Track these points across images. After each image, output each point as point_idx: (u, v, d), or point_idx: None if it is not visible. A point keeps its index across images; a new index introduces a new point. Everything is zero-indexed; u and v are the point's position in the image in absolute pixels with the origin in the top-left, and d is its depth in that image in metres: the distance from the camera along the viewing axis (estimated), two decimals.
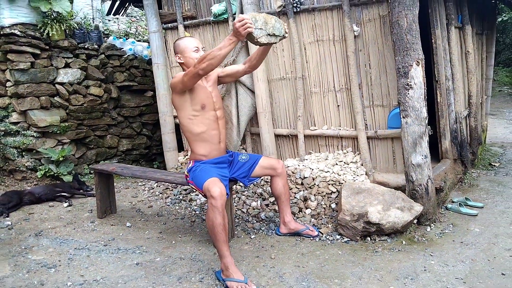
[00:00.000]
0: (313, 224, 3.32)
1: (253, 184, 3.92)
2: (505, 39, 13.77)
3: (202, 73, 2.58)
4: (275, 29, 2.55)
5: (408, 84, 3.17)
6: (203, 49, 2.89)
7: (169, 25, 4.80)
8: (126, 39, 5.56)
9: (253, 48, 3.95)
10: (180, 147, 5.09)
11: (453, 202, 3.73)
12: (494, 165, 5.29)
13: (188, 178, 2.87)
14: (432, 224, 3.29)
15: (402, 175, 3.55)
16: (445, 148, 4.24)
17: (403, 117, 3.25)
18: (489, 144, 6.71)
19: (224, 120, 3.02)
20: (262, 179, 3.93)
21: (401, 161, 3.61)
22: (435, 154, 4.18)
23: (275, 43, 2.61)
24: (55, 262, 2.84)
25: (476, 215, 3.48)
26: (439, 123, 4.15)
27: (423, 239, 3.08)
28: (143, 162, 5.63)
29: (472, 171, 4.82)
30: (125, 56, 5.34)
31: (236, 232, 3.25)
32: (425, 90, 3.22)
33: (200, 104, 2.81)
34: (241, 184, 3.84)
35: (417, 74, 3.17)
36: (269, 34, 2.52)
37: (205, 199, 3.80)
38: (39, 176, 4.43)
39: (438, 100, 4.12)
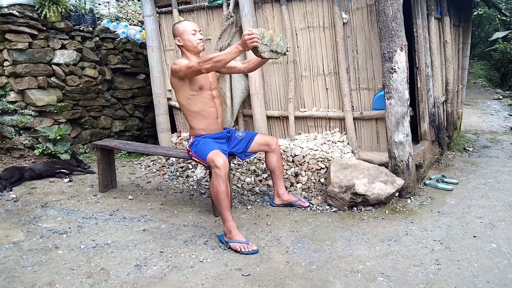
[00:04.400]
0: (304, 197, 3.59)
1: (247, 161, 4.16)
2: (480, 33, 14.28)
3: (204, 71, 2.84)
4: (278, 47, 2.83)
5: (392, 68, 3.45)
6: (200, 32, 3.09)
7: (164, 9, 4.95)
8: (119, 22, 5.67)
9: None
10: (173, 129, 5.28)
11: (430, 179, 4.06)
12: (468, 150, 5.67)
13: (190, 152, 3.08)
14: (412, 197, 3.60)
15: (385, 153, 3.84)
16: (424, 130, 4.57)
17: (387, 98, 3.53)
18: (464, 132, 7.12)
19: (220, 99, 3.25)
20: (255, 157, 4.18)
21: (384, 140, 3.90)
22: (415, 136, 4.49)
23: (275, 59, 2.92)
24: (66, 229, 3.03)
25: (452, 190, 3.82)
26: (419, 107, 4.47)
27: (404, 209, 3.39)
28: None
29: (448, 153, 5.19)
30: (119, 39, 5.45)
31: (233, 204, 3.49)
32: (408, 74, 3.51)
33: (198, 85, 3.03)
34: (235, 161, 4.08)
35: (401, 59, 3.45)
36: (271, 51, 2.80)
37: (201, 175, 4.04)
38: (36, 154, 4.56)
39: (418, 86, 4.43)
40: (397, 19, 3.40)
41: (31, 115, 4.58)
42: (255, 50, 2.70)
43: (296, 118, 4.31)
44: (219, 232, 2.96)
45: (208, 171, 3.98)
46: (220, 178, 2.74)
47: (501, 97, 12.18)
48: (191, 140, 3.11)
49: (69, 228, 3.05)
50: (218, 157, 2.77)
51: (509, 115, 9.91)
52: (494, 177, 4.21)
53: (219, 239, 2.85)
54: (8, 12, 4.32)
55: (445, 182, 4.01)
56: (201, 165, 3.52)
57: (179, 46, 3.08)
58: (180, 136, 5.08)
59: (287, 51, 2.92)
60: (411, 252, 2.67)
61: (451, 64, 5.28)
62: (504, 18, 13.78)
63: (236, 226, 2.79)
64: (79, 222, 3.15)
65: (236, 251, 2.67)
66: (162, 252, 2.68)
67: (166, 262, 2.56)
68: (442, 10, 5.03)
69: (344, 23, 3.83)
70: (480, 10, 12.49)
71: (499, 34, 13.26)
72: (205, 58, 2.77)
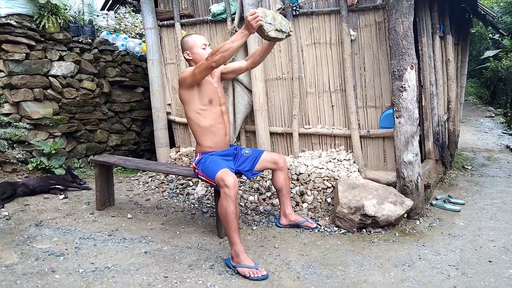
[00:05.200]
0: (311, 217, 3.47)
1: (249, 179, 4.04)
2: (471, 51, 14.48)
3: (215, 65, 2.70)
4: (282, 26, 2.73)
5: (402, 86, 3.39)
6: (209, 46, 3.02)
7: (165, 22, 4.86)
8: (119, 34, 5.57)
9: (252, 48, 4.08)
10: (172, 144, 5.15)
11: (437, 199, 3.98)
12: (467, 168, 5.63)
13: (197, 170, 2.96)
14: (420, 218, 3.51)
15: (392, 172, 3.76)
16: (428, 149, 4.50)
17: (397, 117, 3.46)
18: (460, 149, 7.10)
19: (228, 116, 3.15)
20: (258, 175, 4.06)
21: (391, 159, 3.83)
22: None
23: (282, 39, 2.79)
24: (62, 250, 2.86)
25: (459, 211, 3.74)
26: (423, 126, 4.41)
27: (414, 231, 3.29)
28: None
29: (451, 172, 5.13)
30: (118, 51, 5.35)
31: None
32: (418, 93, 3.45)
33: (207, 99, 2.93)
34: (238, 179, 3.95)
35: (411, 77, 3.40)
36: (277, 30, 2.69)
37: (202, 193, 3.91)
38: (30, 169, 4.38)
39: (423, 104, 4.38)
40: (408, 37, 3.35)
41: (25, 128, 4.42)
42: (260, 30, 2.62)
43: (300, 135, 4.21)
44: (225, 255, 2.82)
45: (212, 189, 3.88)
46: (229, 198, 2.62)
47: (493, 114, 12.28)
48: (197, 158, 2.99)
49: (66, 249, 2.88)
50: (228, 176, 2.65)
51: (503, 133, 9.96)
52: (500, 197, 4.15)
53: (225, 263, 2.71)
54: (6, 22, 4.19)
55: (452, 203, 3.93)
56: (206, 184, 3.38)
57: (188, 60, 3.00)
58: (179, 151, 4.95)
59: (291, 30, 2.81)
60: (427, 278, 2.56)
61: (453, 82, 5.26)
62: (495, 38, 14.01)
63: (244, 250, 2.66)
64: (76, 243, 2.99)
65: (244, 276, 2.53)
66: (166, 277, 2.53)
67: None
68: (445, 28, 5.02)
69: (351, 40, 3.77)
70: (473, 29, 12.66)
71: (490, 53, 13.45)
72: (212, 51, 2.67)
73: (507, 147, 7.78)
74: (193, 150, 4.74)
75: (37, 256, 2.76)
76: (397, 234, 3.22)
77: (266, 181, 3.97)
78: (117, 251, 2.88)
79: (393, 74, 3.43)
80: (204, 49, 2.94)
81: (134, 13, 7.55)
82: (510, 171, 5.48)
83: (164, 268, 2.64)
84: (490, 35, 14.11)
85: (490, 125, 11.07)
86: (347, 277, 2.57)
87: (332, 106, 4.03)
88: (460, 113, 6.66)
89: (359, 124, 3.91)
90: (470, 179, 4.94)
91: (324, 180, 3.78)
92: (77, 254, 2.81)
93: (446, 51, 5.16)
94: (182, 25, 4.75)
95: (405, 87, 3.38)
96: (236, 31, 4.22)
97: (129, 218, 3.51)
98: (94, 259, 2.75)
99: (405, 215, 3.44)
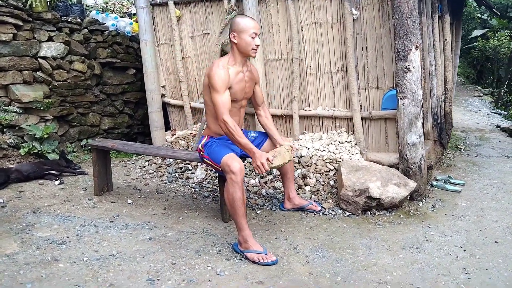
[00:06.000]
0: (315, 200, 3.44)
1: (249, 162, 3.97)
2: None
3: (220, 124, 2.67)
4: (286, 160, 2.75)
5: (406, 67, 3.34)
6: (259, 36, 2.80)
7: (158, 1, 4.69)
8: (109, 13, 5.36)
9: None
10: (166, 127, 5.04)
11: (437, 180, 3.98)
12: (461, 148, 5.67)
13: (202, 153, 2.88)
14: (423, 200, 3.51)
15: (394, 154, 3.74)
16: (427, 130, 4.48)
17: (401, 98, 3.42)
18: (453, 129, 7.15)
19: (245, 108, 3.04)
20: None
21: (393, 140, 3.80)
22: None
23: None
24: (64, 238, 2.78)
25: (460, 192, 3.75)
26: (423, 107, 4.38)
27: (418, 212, 3.29)
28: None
29: (447, 152, 5.15)
30: (108, 31, 5.15)
31: None
32: (422, 74, 3.40)
33: (232, 97, 2.79)
34: None
35: (416, 57, 3.34)
36: (281, 162, 2.73)
37: (202, 177, 3.85)
38: (22, 154, 4.24)
39: (423, 85, 4.33)
40: (413, 16, 3.28)
41: (15, 112, 4.26)
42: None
43: (300, 117, 4.14)
44: (231, 240, 2.78)
45: (212, 173, 3.81)
46: (236, 184, 2.56)
47: (481, 94, 12.37)
48: (204, 140, 2.90)
49: (68, 237, 2.80)
50: (234, 162, 2.58)
51: (492, 112, 10.08)
52: (499, 177, 4.18)
53: (233, 248, 2.67)
54: None
55: (452, 183, 3.94)
56: (210, 168, 3.30)
57: (232, 42, 2.76)
58: (175, 134, 4.85)
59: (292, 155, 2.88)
60: (436, 260, 2.56)
61: (450, 63, 5.24)
62: (483, 17, 14.02)
63: (252, 235, 2.61)
64: (77, 230, 2.91)
65: (254, 262, 2.50)
66: (174, 264, 2.48)
67: (180, 275, 2.36)
68: (443, 8, 4.97)
69: (354, 19, 3.68)
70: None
71: (477, 32, 13.48)
72: (228, 123, 2.62)
73: (497, 126, 7.86)
74: (190, 133, 4.65)
75: (38, 245, 2.67)
76: (401, 216, 3.22)
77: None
78: (121, 238, 2.80)
79: (397, 54, 3.37)
80: (253, 38, 2.71)
81: None
82: (503, 150, 5.54)
83: (171, 255, 2.58)
84: (479, 14, 14.13)
85: (479, 104, 11.17)
86: (357, 260, 2.56)
87: (333, 87, 3.96)
88: (453, 93, 6.66)
89: (360, 105, 3.86)
90: (467, 159, 4.96)
91: (327, 162, 3.74)
92: (80, 242, 2.73)
93: (443, 31, 5.12)
94: (176, 3, 4.59)
95: (409, 68, 3.33)
96: (234, 9, 4.08)
97: (130, 203, 3.44)
98: (97, 246, 2.68)
99: (408, 197, 3.43)
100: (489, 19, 13.67)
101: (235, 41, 2.73)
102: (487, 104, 11.28)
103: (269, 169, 2.64)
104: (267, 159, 2.59)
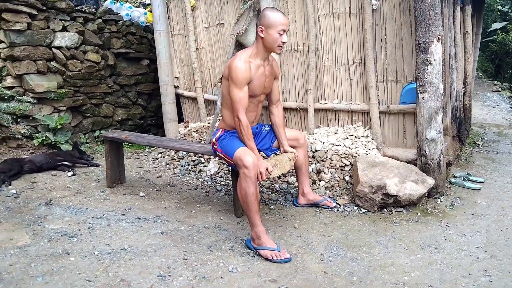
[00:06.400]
0: (329, 196, 3.37)
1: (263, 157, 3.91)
2: None
3: (235, 119, 2.66)
4: (285, 169, 2.89)
5: (427, 59, 3.22)
6: (287, 33, 2.68)
7: None
8: (124, 3, 5.32)
9: None
10: (180, 119, 5.00)
11: (455, 176, 3.87)
12: (478, 144, 5.51)
13: (215, 146, 2.82)
14: (441, 197, 3.41)
15: (412, 149, 3.63)
16: (445, 125, 4.34)
17: (420, 92, 3.31)
18: (471, 125, 6.97)
19: (262, 103, 2.96)
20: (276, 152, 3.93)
21: (411, 136, 3.69)
22: None
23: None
24: (75, 231, 2.76)
25: (479, 190, 3.63)
26: (442, 101, 4.25)
27: (436, 210, 3.20)
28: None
29: (466, 148, 5.01)
30: (122, 21, 5.12)
31: None
32: (443, 67, 3.28)
33: (251, 93, 2.72)
34: None
35: (437, 50, 3.22)
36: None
37: (215, 170, 3.80)
38: (35, 144, 4.25)
39: (443, 78, 4.20)
40: (435, 7, 3.15)
41: (29, 102, 4.25)
42: None
43: (315, 110, 4.05)
44: (244, 236, 2.73)
45: (225, 166, 3.75)
46: (249, 179, 2.49)
47: (500, 89, 12.07)
48: (219, 133, 2.84)
49: (79, 230, 2.78)
50: (247, 156, 2.52)
51: (511, 107, 9.82)
52: None
53: (245, 244, 2.62)
54: None
55: (471, 181, 3.82)
56: (223, 161, 3.24)
57: (258, 35, 2.65)
58: (188, 126, 4.80)
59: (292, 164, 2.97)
60: (455, 261, 2.48)
61: (470, 56, 5.07)
62: (503, 10, 13.63)
63: (265, 232, 2.56)
64: (89, 223, 2.88)
65: (267, 259, 2.44)
66: (186, 259, 2.43)
67: (192, 271, 2.31)
68: None
69: (373, 10, 3.56)
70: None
71: (497, 25, 13.12)
72: (243, 121, 2.61)
73: None
74: (203, 126, 4.60)
75: (50, 237, 2.66)
76: (419, 214, 3.12)
77: None
78: (132, 232, 2.77)
79: (418, 46, 3.25)
80: (281, 34, 2.60)
81: None
82: None
83: (183, 250, 2.54)
84: (499, 6, 13.74)
85: (497, 99, 10.89)
86: (373, 259, 2.49)
87: (350, 80, 3.86)
88: (472, 87, 6.48)
89: (378, 99, 3.75)
90: (486, 155, 4.82)
91: (342, 157, 3.65)
92: (91, 235, 2.71)
93: (464, 23, 4.95)
94: None
95: (430, 61, 3.21)
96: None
97: (142, 196, 3.40)
98: (109, 240, 2.65)
99: (426, 194, 3.34)
100: (510, 12, 13.28)
101: (262, 36, 2.61)
102: (506, 99, 11.00)
103: (266, 179, 2.63)
104: (267, 169, 2.58)
